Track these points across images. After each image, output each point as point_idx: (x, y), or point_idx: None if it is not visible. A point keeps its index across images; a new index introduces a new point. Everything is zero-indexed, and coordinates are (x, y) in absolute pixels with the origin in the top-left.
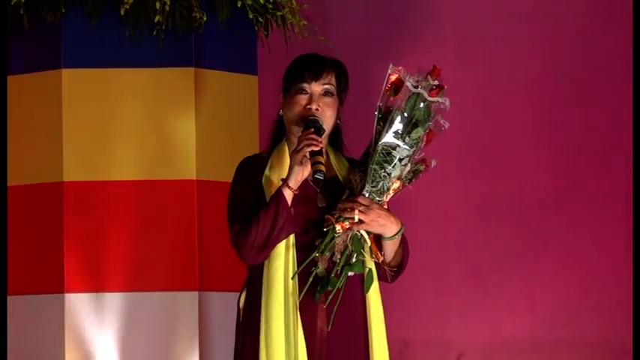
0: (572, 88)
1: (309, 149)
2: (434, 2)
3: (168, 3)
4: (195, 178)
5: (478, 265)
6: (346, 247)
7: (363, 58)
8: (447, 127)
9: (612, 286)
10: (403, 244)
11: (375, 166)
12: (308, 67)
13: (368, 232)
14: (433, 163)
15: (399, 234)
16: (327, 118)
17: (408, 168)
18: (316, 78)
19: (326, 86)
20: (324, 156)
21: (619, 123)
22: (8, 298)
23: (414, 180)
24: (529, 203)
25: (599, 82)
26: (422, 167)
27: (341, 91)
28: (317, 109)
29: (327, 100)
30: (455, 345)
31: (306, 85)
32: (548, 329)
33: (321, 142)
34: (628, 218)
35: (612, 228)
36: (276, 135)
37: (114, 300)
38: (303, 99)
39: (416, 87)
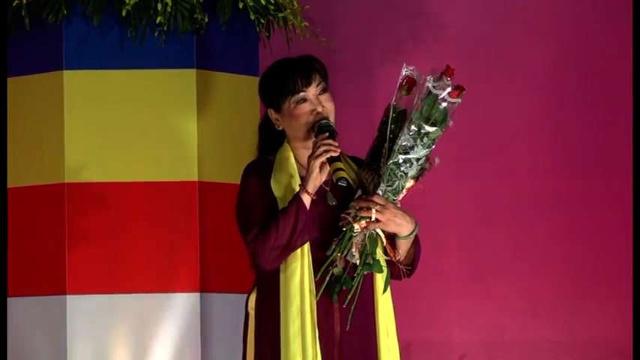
0: (572, 89)
1: (328, 155)
2: (435, 3)
3: (170, 4)
4: (197, 180)
5: (480, 266)
6: (364, 246)
7: (365, 59)
8: (450, 125)
9: (613, 287)
10: (415, 242)
11: (392, 166)
12: (296, 74)
13: (382, 231)
14: (437, 161)
15: (414, 233)
16: (331, 112)
17: (420, 167)
18: (309, 82)
19: (319, 86)
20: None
21: (619, 124)
22: (8, 299)
23: (420, 178)
24: (530, 204)
25: (599, 83)
26: (427, 165)
27: (327, 81)
28: (323, 109)
29: (325, 97)
30: (456, 346)
31: (303, 94)
32: (550, 330)
33: (338, 146)
34: (628, 219)
35: (613, 229)
36: (266, 144)
37: (116, 301)
38: (305, 107)
39: (435, 88)
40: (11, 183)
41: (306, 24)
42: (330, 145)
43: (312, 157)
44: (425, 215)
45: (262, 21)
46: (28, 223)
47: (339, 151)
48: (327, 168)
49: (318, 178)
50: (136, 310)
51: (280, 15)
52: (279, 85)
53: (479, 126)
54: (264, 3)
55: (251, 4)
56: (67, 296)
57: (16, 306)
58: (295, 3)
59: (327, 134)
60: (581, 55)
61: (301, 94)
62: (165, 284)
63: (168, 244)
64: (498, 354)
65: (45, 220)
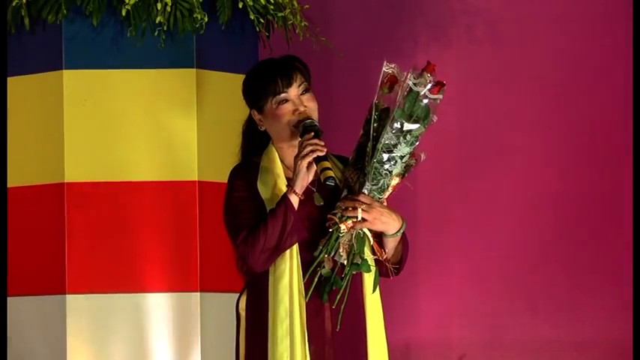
0: (573, 89)
1: (315, 155)
2: (435, 3)
3: (170, 4)
4: (196, 180)
5: (480, 266)
6: (352, 246)
7: (365, 59)
8: (435, 120)
9: (613, 287)
10: (403, 240)
11: (376, 165)
12: (276, 76)
13: (370, 231)
14: (422, 157)
15: (401, 230)
16: (314, 112)
17: (404, 164)
18: (290, 83)
19: (300, 86)
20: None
21: (620, 123)
22: (8, 299)
23: (406, 175)
24: (530, 204)
25: (600, 83)
26: (412, 161)
27: (310, 81)
28: (305, 110)
29: (307, 96)
30: (456, 346)
31: (284, 95)
32: (550, 330)
33: (324, 146)
34: (628, 218)
35: (613, 228)
36: (250, 146)
37: (116, 301)
38: (287, 107)
39: (416, 85)
40: (11, 183)
41: (306, 24)
42: (316, 144)
43: (298, 157)
44: (425, 215)
45: (262, 20)
46: (27, 223)
47: (325, 150)
48: (314, 168)
49: (305, 179)
50: (135, 310)
51: (280, 14)
52: (261, 86)
53: (479, 126)
54: (263, 2)
55: (251, 3)
56: (67, 296)
57: (15, 306)
58: (295, 2)
59: (313, 134)
60: (582, 55)
61: (282, 94)
62: (165, 284)
63: (168, 244)
64: (498, 354)
65: (45, 220)
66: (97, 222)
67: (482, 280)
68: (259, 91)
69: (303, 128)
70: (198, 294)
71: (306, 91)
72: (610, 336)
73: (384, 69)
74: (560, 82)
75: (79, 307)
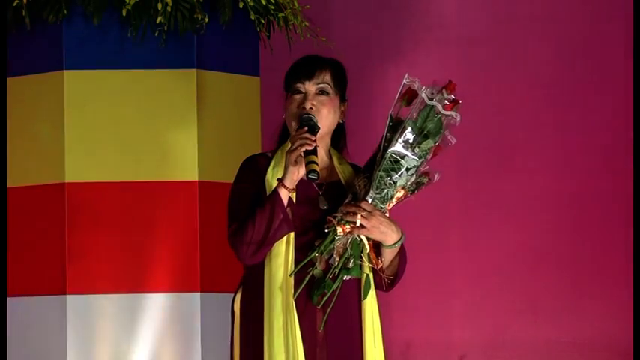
0: (573, 89)
1: (303, 149)
2: (435, 4)
3: (170, 4)
4: (197, 180)
5: (480, 266)
6: (345, 250)
7: (365, 60)
8: (454, 142)
9: (613, 287)
10: (401, 253)
11: (381, 173)
12: (303, 67)
13: (367, 238)
14: (436, 177)
15: (399, 243)
16: (323, 116)
17: (413, 179)
18: (309, 77)
19: (320, 85)
20: (328, 158)
21: (620, 123)
22: (8, 299)
23: (416, 192)
24: (531, 204)
25: (600, 83)
26: (425, 180)
27: (340, 89)
28: (311, 108)
29: (322, 98)
30: (457, 346)
31: (300, 85)
32: (550, 330)
33: (314, 140)
34: (628, 218)
35: (613, 228)
36: (282, 137)
37: (116, 301)
38: (297, 98)
39: (431, 99)
40: (11, 183)
41: (307, 24)
42: (306, 138)
43: (289, 151)
44: (426, 215)
45: (262, 21)
46: (28, 223)
47: (314, 145)
48: (304, 162)
49: (295, 172)
50: (135, 310)
51: (280, 15)
52: (289, 72)
53: (479, 126)
54: (264, 3)
55: (251, 4)
56: (67, 296)
57: (16, 306)
58: (295, 3)
59: (307, 128)
60: (583, 55)
61: (299, 84)
62: (165, 284)
63: (168, 244)
64: (498, 354)
65: (45, 220)
66: (97, 222)
67: (482, 280)
68: (286, 76)
69: (300, 121)
70: (198, 294)
71: (324, 92)
72: (610, 336)
73: (404, 81)
74: (560, 82)
75: (79, 307)
